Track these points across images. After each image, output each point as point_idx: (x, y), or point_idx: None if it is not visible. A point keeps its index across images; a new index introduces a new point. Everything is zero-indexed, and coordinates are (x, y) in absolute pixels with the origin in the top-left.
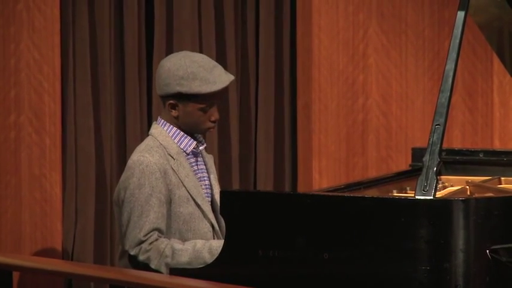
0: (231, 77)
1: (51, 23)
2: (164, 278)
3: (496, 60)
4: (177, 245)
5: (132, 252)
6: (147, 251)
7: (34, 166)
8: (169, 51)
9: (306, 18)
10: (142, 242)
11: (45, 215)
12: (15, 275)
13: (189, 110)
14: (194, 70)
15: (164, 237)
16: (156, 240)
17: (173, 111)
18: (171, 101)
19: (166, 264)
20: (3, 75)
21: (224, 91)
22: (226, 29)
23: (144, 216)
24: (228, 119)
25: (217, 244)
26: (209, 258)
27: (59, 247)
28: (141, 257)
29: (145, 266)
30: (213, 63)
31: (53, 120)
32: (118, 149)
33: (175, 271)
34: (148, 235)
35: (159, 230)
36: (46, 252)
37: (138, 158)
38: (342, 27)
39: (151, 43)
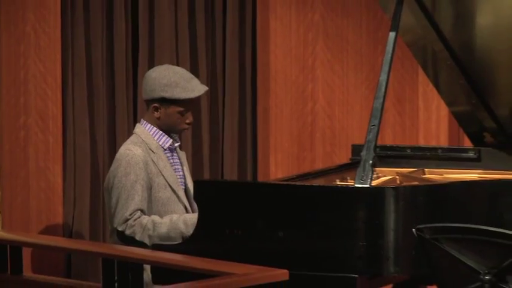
0: (206, 88)
1: (54, 42)
2: (146, 252)
3: (421, 72)
4: (157, 219)
5: (120, 228)
6: (132, 226)
7: (40, 160)
8: (151, 64)
9: (264, 37)
10: (128, 219)
11: (48, 200)
12: (25, 250)
13: (170, 112)
14: (176, 79)
15: (145, 216)
16: (139, 217)
17: (156, 113)
18: (155, 104)
19: (149, 236)
20: (14, 85)
21: (199, 99)
22: (199, 46)
23: (130, 199)
24: (200, 122)
25: (190, 216)
26: (184, 228)
27: (60, 227)
28: (127, 232)
29: (131, 239)
30: (191, 75)
31: (55, 122)
32: (109, 145)
33: (156, 247)
34: (133, 214)
35: (142, 210)
36: (49, 231)
37: (124, 151)
38: (294, 45)
39: (136, 57)
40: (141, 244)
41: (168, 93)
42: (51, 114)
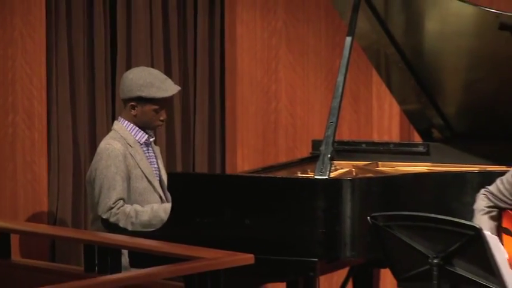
0: (178, 88)
1: (39, 46)
2: (124, 238)
3: (375, 73)
4: (139, 208)
5: (104, 216)
6: (116, 214)
7: (26, 154)
8: (128, 66)
9: (232, 42)
10: (111, 208)
11: (34, 191)
12: (13, 237)
13: (146, 110)
14: (151, 80)
15: (127, 204)
16: (122, 206)
17: (133, 111)
18: (132, 103)
19: (132, 223)
20: (2, 86)
21: (172, 98)
22: (172, 50)
23: (112, 189)
24: (172, 119)
25: (169, 205)
26: (164, 216)
27: (45, 215)
28: (112, 219)
29: (115, 226)
30: (165, 76)
31: (40, 119)
32: (90, 140)
33: (133, 233)
34: (116, 203)
35: (123, 199)
36: (35, 219)
37: (105, 145)
38: (259, 49)
39: (114, 60)
40: (124, 230)
41: (145, 93)
42: (37, 112)
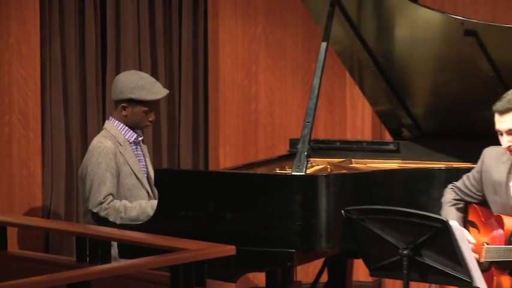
0: (167, 91)
1: (34, 51)
2: (114, 231)
3: (348, 76)
4: (128, 203)
5: (95, 210)
6: (106, 209)
7: (22, 152)
8: (117, 69)
9: (214, 47)
10: (102, 202)
11: (29, 186)
12: (9, 229)
13: (136, 111)
14: (142, 83)
15: (117, 200)
16: (112, 201)
17: (124, 111)
18: (123, 104)
19: (121, 218)
20: (0, 88)
21: (160, 100)
22: (158, 54)
23: (102, 185)
24: (159, 120)
25: (156, 203)
26: (151, 212)
27: (39, 209)
28: (102, 213)
29: (105, 220)
30: (154, 79)
31: (35, 119)
32: (81, 139)
33: (122, 226)
34: (106, 198)
35: (112, 194)
36: (30, 213)
37: (96, 144)
38: (240, 53)
39: (104, 64)
40: (113, 224)
41: (135, 95)
42: (32, 112)
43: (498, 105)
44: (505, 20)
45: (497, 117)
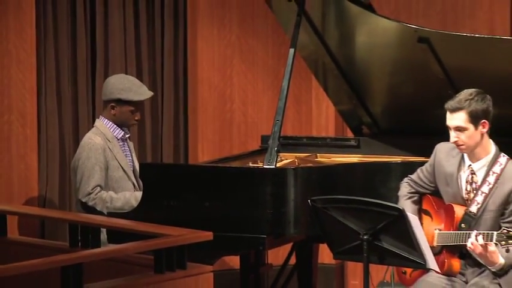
0: (152, 93)
1: (30, 57)
2: (103, 218)
3: (314, 79)
4: (114, 195)
5: (84, 200)
6: (94, 199)
7: (20, 148)
8: (106, 73)
9: (193, 53)
10: (90, 193)
11: (27, 179)
12: (9, 218)
13: (124, 110)
14: (130, 85)
15: (104, 191)
16: (99, 192)
17: (112, 110)
18: (112, 104)
19: (107, 207)
20: (0, 90)
21: (145, 101)
22: (143, 59)
23: (91, 177)
24: (144, 118)
25: (139, 194)
26: (135, 203)
27: (35, 199)
28: (90, 203)
29: (92, 209)
30: (141, 82)
31: (32, 118)
32: (74, 136)
33: (111, 215)
34: (94, 189)
35: (100, 186)
36: (28, 203)
37: (87, 140)
38: (216, 58)
39: (94, 68)
40: (100, 213)
41: (123, 96)
42: (29, 112)
43: (450, 103)
44: (454, 29)
45: (448, 114)
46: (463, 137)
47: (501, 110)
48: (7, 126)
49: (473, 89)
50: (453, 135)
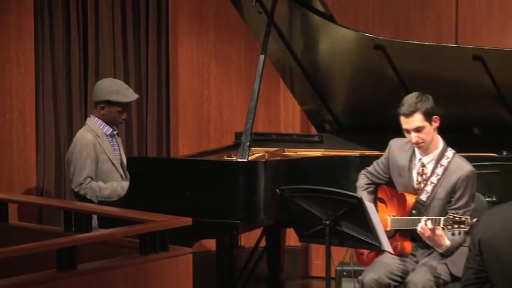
0: (137, 95)
1: (29, 62)
2: (94, 206)
3: (281, 82)
4: (102, 184)
5: (76, 190)
6: (85, 188)
7: (20, 144)
8: (97, 77)
9: (174, 59)
10: (81, 183)
11: (26, 171)
12: (10, 206)
13: (112, 110)
14: (118, 88)
15: (94, 181)
16: (90, 182)
17: (102, 110)
18: (102, 105)
19: (96, 196)
20: (1, 92)
21: (131, 102)
22: (129, 65)
23: (82, 169)
24: (130, 117)
25: (125, 184)
26: (121, 192)
27: (34, 189)
28: (81, 192)
29: (84, 197)
30: (127, 86)
31: (31, 117)
32: (68, 133)
33: (101, 203)
34: (85, 180)
35: (91, 177)
36: (27, 192)
37: (79, 136)
38: (195, 64)
39: (86, 72)
40: (90, 201)
41: (112, 97)
42: (28, 112)
43: (403, 109)
44: (406, 38)
45: (403, 119)
46: (422, 135)
47: (447, 109)
48: (8, 124)
49: (415, 93)
50: (413, 135)
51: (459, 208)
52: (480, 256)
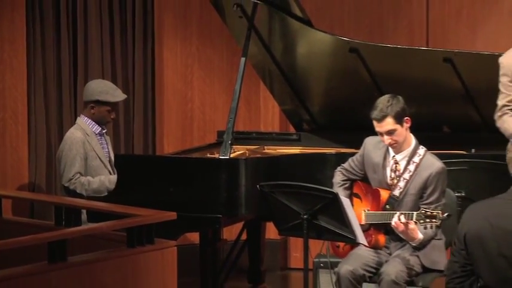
0: (125, 96)
1: (22, 64)
2: (84, 201)
3: (262, 83)
4: (91, 179)
5: (66, 185)
6: (74, 183)
7: (13, 142)
8: (86, 79)
9: (160, 62)
10: (71, 179)
11: (19, 168)
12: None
13: (101, 110)
14: (107, 89)
15: (83, 177)
16: (79, 177)
17: (92, 110)
18: (92, 104)
19: (85, 190)
20: None
21: (119, 103)
22: (117, 68)
23: (72, 166)
24: (119, 117)
25: (112, 177)
26: (108, 185)
27: (26, 185)
28: (71, 187)
29: (74, 192)
30: (116, 86)
31: (23, 116)
32: (59, 131)
33: (90, 198)
34: (74, 175)
35: (80, 173)
36: (20, 188)
37: (69, 134)
38: (179, 66)
39: (76, 74)
40: (80, 195)
41: (101, 97)
42: (20, 111)
43: (375, 114)
44: (379, 41)
45: (375, 123)
46: (394, 137)
47: (418, 109)
48: (2, 123)
49: (386, 95)
50: (386, 138)
51: (431, 203)
52: (465, 250)
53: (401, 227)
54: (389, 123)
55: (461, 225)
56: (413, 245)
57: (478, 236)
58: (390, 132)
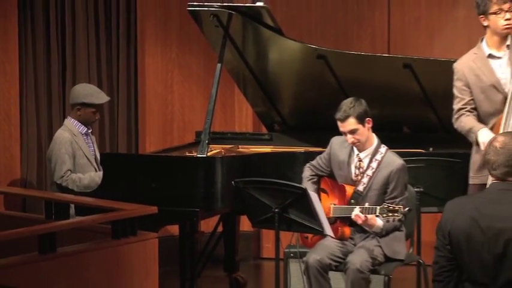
0: (109, 98)
1: (14, 69)
2: (72, 196)
3: (236, 87)
4: (81, 175)
5: (58, 182)
6: (66, 180)
7: (6, 141)
8: (74, 82)
9: (142, 67)
10: (63, 176)
11: (11, 166)
12: None
13: (87, 112)
14: (91, 92)
15: (73, 174)
16: (70, 174)
17: (78, 112)
18: (78, 107)
19: (77, 186)
20: None
21: (103, 104)
22: (102, 73)
23: (63, 164)
24: (103, 118)
25: (100, 175)
26: (98, 181)
27: (18, 182)
28: (63, 184)
29: (65, 188)
30: (100, 90)
31: (15, 118)
32: (48, 132)
33: (78, 193)
34: (65, 172)
35: (70, 170)
36: (12, 184)
37: (58, 135)
38: (159, 71)
39: (64, 78)
40: (72, 191)
41: (87, 100)
42: (13, 113)
43: (338, 115)
44: (345, 48)
45: (339, 123)
46: (357, 136)
47: (380, 110)
48: None
49: (350, 98)
50: (349, 137)
51: (395, 197)
52: (450, 245)
53: (360, 220)
54: (351, 123)
55: (444, 222)
56: (377, 231)
57: (465, 234)
58: (353, 132)
